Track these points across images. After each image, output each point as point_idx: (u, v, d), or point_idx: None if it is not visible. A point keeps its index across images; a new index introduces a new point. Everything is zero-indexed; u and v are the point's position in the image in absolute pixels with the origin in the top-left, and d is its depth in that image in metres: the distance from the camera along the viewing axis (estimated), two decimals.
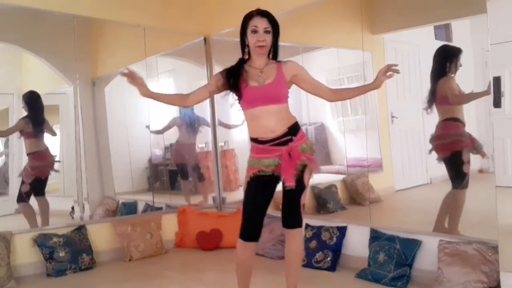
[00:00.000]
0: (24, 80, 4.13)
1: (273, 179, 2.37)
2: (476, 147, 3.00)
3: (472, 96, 3.00)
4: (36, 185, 3.92)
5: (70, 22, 3.83)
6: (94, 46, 4.30)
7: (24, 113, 3.93)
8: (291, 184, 2.26)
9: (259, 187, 2.36)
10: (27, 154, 3.94)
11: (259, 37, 2.29)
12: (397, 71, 2.28)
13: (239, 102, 2.39)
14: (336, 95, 2.49)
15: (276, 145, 2.31)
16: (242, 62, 2.40)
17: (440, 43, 3.29)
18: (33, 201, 3.91)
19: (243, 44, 2.38)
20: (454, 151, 3.08)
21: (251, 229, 2.35)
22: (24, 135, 3.93)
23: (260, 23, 2.30)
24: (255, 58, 2.36)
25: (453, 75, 3.07)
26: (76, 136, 3.97)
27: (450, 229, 3.01)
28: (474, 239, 2.70)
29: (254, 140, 2.38)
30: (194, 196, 4.75)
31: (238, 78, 2.34)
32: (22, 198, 3.88)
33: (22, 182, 3.90)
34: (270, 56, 2.40)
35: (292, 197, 2.34)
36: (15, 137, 4.09)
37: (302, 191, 2.34)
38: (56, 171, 4.07)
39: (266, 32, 2.30)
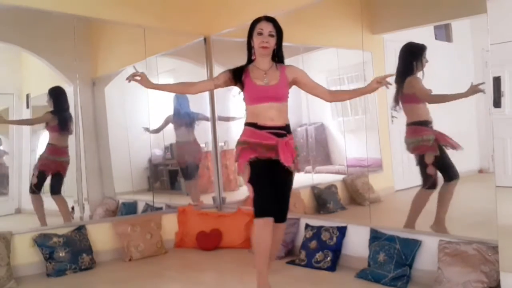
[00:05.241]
0: (24, 80, 4.13)
1: (272, 162, 2.54)
2: (450, 143, 3.05)
3: (448, 97, 3.03)
4: (41, 180, 3.94)
5: (70, 22, 3.83)
6: (94, 46, 4.30)
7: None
8: (287, 163, 2.50)
9: (262, 168, 2.52)
10: (46, 145, 3.98)
11: (263, 38, 2.55)
12: (387, 85, 2.54)
13: (243, 97, 2.65)
14: (333, 97, 2.79)
15: (272, 133, 2.54)
16: (248, 63, 2.69)
17: (439, 43, 3.29)
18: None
19: (249, 46, 2.66)
20: (420, 154, 3.16)
21: (268, 205, 2.49)
22: (48, 129, 3.98)
23: (266, 27, 2.57)
24: (260, 59, 2.63)
25: (419, 72, 3.12)
26: (76, 136, 3.98)
27: (437, 228, 3.05)
28: (474, 239, 2.70)
29: (251, 124, 2.58)
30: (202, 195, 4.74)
31: (242, 74, 2.62)
32: (32, 189, 3.93)
33: (32, 175, 3.95)
34: (276, 60, 2.66)
35: (284, 195, 2.63)
36: (14, 136, 4.09)
37: (290, 188, 2.67)
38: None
39: (270, 35, 2.56)
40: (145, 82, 2.61)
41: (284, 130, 2.58)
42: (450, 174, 3.05)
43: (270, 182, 2.52)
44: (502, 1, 2.26)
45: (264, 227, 2.46)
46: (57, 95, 3.98)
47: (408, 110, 3.20)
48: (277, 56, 2.65)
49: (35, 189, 3.91)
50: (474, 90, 2.80)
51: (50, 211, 3.96)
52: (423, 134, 3.12)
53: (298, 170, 2.72)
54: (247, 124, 2.61)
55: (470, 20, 3.08)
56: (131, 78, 2.60)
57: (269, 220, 2.46)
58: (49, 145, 3.98)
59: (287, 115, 2.65)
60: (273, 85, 2.57)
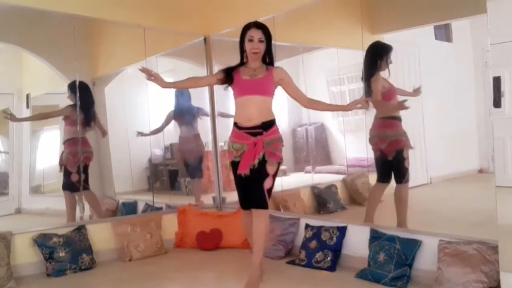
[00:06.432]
0: (24, 80, 4.13)
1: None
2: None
3: (397, 106, 3.22)
4: (86, 174, 3.95)
5: (70, 22, 3.82)
6: (94, 46, 4.30)
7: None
8: (242, 171, 2.79)
9: (235, 169, 2.89)
10: (64, 142, 3.96)
11: (253, 45, 2.83)
12: (363, 107, 2.87)
13: (233, 92, 2.92)
14: (310, 104, 3.01)
15: (248, 133, 2.82)
16: (240, 64, 2.95)
17: (439, 43, 3.30)
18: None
19: (242, 50, 2.91)
20: (397, 149, 3.21)
21: (244, 202, 2.95)
22: (66, 121, 3.96)
23: (256, 34, 2.82)
24: (251, 62, 2.90)
25: (384, 71, 3.23)
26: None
27: (399, 224, 3.16)
28: (474, 239, 2.70)
29: (235, 124, 2.90)
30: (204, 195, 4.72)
31: (232, 72, 2.91)
32: (70, 187, 3.93)
33: (68, 172, 3.91)
34: (266, 61, 2.91)
35: (254, 182, 2.81)
36: (14, 136, 4.09)
37: (263, 177, 2.80)
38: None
39: (260, 41, 2.83)
40: (161, 81, 2.89)
41: (261, 128, 2.81)
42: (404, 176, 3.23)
43: (240, 181, 2.90)
44: (502, 1, 2.26)
45: (243, 216, 3.04)
46: (81, 89, 3.93)
47: (379, 105, 3.28)
48: (268, 59, 2.91)
49: (79, 184, 3.89)
50: (400, 106, 3.11)
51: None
52: (399, 129, 3.21)
53: (274, 162, 2.82)
54: (234, 124, 2.91)
55: (470, 20, 3.08)
56: (147, 74, 2.85)
57: (246, 211, 2.96)
58: (70, 139, 3.94)
59: (269, 112, 2.88)
60: (258, 79, 2.84)
